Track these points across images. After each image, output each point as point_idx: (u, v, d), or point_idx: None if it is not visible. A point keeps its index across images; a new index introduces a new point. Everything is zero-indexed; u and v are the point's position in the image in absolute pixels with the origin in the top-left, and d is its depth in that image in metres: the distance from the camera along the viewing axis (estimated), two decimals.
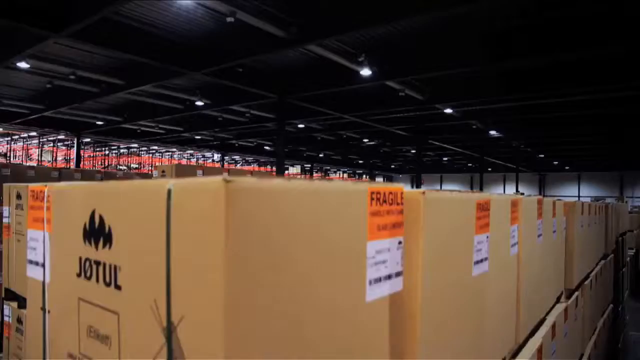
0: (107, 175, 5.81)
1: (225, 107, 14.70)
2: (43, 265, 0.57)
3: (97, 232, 0.46)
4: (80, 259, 0.49)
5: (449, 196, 0.60)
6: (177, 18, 8.47)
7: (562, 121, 15.65)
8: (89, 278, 0.47)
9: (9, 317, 1.85)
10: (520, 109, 13.93)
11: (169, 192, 0.37)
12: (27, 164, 5.25)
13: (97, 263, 0.46)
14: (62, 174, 5.41)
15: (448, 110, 13.90)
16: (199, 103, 13.74)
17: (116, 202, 0.43)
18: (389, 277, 0.49)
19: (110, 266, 0.44)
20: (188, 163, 31.22)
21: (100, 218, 0.45)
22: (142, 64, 10.03)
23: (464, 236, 0.65)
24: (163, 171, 4.46)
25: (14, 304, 1.83)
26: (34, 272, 0.58)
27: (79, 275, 0.49)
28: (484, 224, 0.72)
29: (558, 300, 1.64)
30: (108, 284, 0.44)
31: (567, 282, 1.72)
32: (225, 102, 14.00)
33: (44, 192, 0.55)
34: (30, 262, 0.58)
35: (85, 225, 0.48)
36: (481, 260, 0.71)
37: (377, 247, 0.48)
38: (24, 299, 1.75)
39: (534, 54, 8.91)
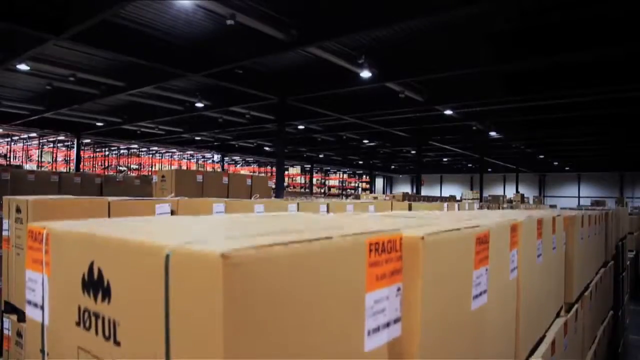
0: (107, 179, 5.81)
1: (225, 109, 14.70)
2: (42, 308, 0.57)
3: (95, 285, 0.46)
4: (79, 307, 0.49)
5: (448, 237, 0.60)
6: (177, 20, 8.47)
7: (562, 122, 15.64)
8: (88, 329, 0.47)
9: (9, 330, 1.86)
10: (521, 110, 13.93)
11: (167, 257, 0.37)
12: (27, 169, 5.25)
13: (96, 315, 0.46)
14: (62, 179, 5.41)
15: (448, 112, 13.90)
16: (199, 105, 13.74)
17: (114, 257, 0.43)
18: (387, 324, 0.49)
19: (109, 320, 0.44)
20: (188, 164, 31.20)
21: (99, 271, 0.46)
22: (141, 66, 10.03)
23: (463, 273, 0.65)
24: (163, 176, 4.45)
25: (14, 317, 1.84)
26: (33, 313, 0.58)
27: (78, 324, 0.49)
28: (483, 257, 0.72)
29: (558, 315, 1.64)
30: (107, 338, 0.44)
31: (567, 296, 1.72)
32: (225, 104, 14.00)
33: (42, 235, 0.55)
34: (29, 302, 0.58)
35: (84, 275, 0.48)
36: (480, 294, 0.71)
37: (376, 297, 0.48)
38: (23, 313, 1.76)
39: (534, 56, 8.92)
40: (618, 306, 4.41)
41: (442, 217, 1.05)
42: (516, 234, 0.97)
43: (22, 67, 10.18)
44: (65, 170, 23.94)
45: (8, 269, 1.80)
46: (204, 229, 0.55)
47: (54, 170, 23.63)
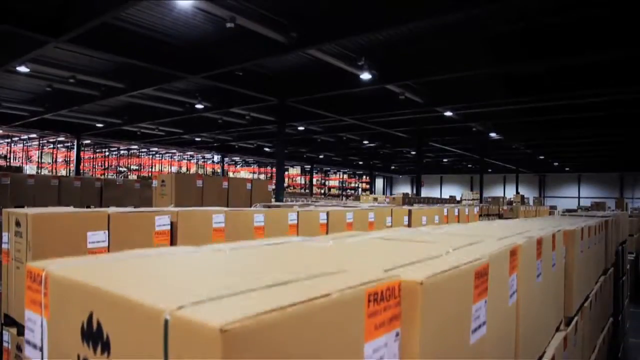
0: (107, 183, 5.81)
1: (225, 110, 14.70)
2: (41, 350, 0.57)
3: (95, 336, 0.46)
4: (78, 356, 0.49)
5: (448, 276, 0.59)
6: (177, 23, 8.47)
7: (562, 124, 15.66)
8: None
9: (8, 343, 1.86)
10: (521, 111, 13.93)
11: (166, 323, 0.37)
12: (27, 173, 5.23)
13: None
14: (62, 183, 5.41)
15: (448, 113, 13.89)
16: (199, 106, 13.74)
17: (114, 313, 0.43)
18: None
19: None
20: (188, 164, 31.18)
21: (98, 323, 0.46)
22: (141, 68, 10.04)
23: (461, 309, 0.65)
24: (163, 181, 4.45)
25: (13, 330, 1.84)
26: (32, 354, 0.58)
27: None
28: (482, 290, 0.72)
29: (558, 329, 1.64)
30: None
31: (567, 310, 1.72)
32: (225, 105, 14.00)
33: (41, 277, 0.55)
34: (28, 342, 0.59)
35: (83, 324, 0.48)
36: (479, 326, 0.71)
37: (375, 345, 0.48)
38: (23, 326, 1.76)
39: (534, 59, 8.91)
40: (618, 311, 4.41)
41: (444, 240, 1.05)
42: (516, 257, 0.97)
43: (22, 69, 10.18)
44: (65, 171, 23.95)
45: (8, 282, 1.80)
46: (204, 277, 0.55)
47: (54, 171, 23.65)
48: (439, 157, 28.99)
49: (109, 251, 1.76)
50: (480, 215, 5.37)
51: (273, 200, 12.86)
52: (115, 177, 6.03)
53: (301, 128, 18.39)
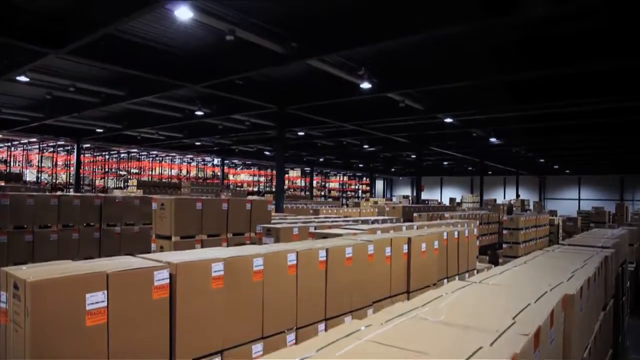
0: (106, 200, 5.80)
1: (225, 116, 14.69)
2: None
3: None
4: None
5: None
6: (177, 34, 8.45)
7: (562, 130, 15.65)
8: None
9: None
10: (522, 118, 13.92)
11: None
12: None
13: None
14: (61, 202, 5.41)
15: (448, 120, 13.88)
16: (199, 113, 13.72)
17: None
18: None
19: None
20: (188, 167, 31.12)
21: None
22: (142, 77, 10.02)
23: None
24: (162, 204, 4.45)
25: None
26: None
27: None
28: None
29: None
30: None
31: None
32: (225, 112, 14.00)
33: None
34: None
35: None
36: None
37: None
38: None
39: (535, 68, 8.88)
40: (619, 332, 4.41)
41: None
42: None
43: (22, 78, 10.18)
44: (65, 176, 23.93)
45: (6, 345, 1.79)
46: None
47: (54, 175, 23.63)
48: (439, 160, 28.98)
49: (108, 311, 1.75)
50: (478, 237, 5.38)
51: (272, 209, 12.87)
52: (115, 195, 5.98)
53: (301, 133, 18.38)
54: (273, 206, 13.21)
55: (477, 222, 7.25)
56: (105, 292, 1.76)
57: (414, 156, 24.52)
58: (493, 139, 17.34)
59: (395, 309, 1.42)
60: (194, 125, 16.84)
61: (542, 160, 26.72)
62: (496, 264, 10.44)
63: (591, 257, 2.79)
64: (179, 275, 2.02)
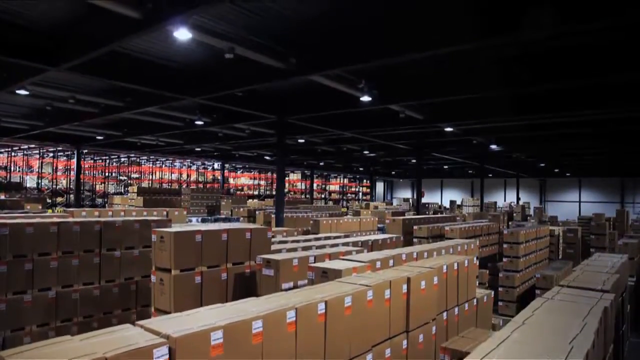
0: (106, 225, 5.79)
1: (225, 125, 14.68)
2: None
3: None
4: None
5: None
6: (177, 50, 8.44)
7: (563, 137, 15.65)
8: None
9: None
10: (522, 127, 13.92)
11: None
12: (26, 221, 5.22)
13: None
14: (61, 228, 5.41)
15: (449, 129, 13.87)
16: (199, 122, 13.72)
17: None
18: None
19: None
20: (188, 171, 31.13)
21: None
22: (141, 90, 10.01)
23: None
24: (162, 237, 4.44)
25: None
26: None
27: None
28: None
29: None
30: None
31: None
32: (224, 122, 14.00)
33: None
34: None
35: None
36: None
37: None
38: None
39: (536, 83, 8.86)
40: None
41: None
42: None
43: (22, 92, 10.17)
44: (65, 181, 23.94)
45: None
46: None
47: (54, 181, 23.63)
48: (439, 164, 28.96)
49: None
50: (479, 261, 5.40)
51: (273, 224, 12.85)
52: (114, 219, 5.93)
53: (301, 141, 18.37)
54: (274, 216, 13.24)
55: (477, 241, 7.25)
56: None
57: (414, 161, 24.51)
58: (493, 146, 17.34)
59: None
60: (194, 132, 16.84)
61: (542, 165, 26.72)
62: (496, 276, 10.43)
63: (591, 309, 2.78)
64: (178, 349, 2.02)
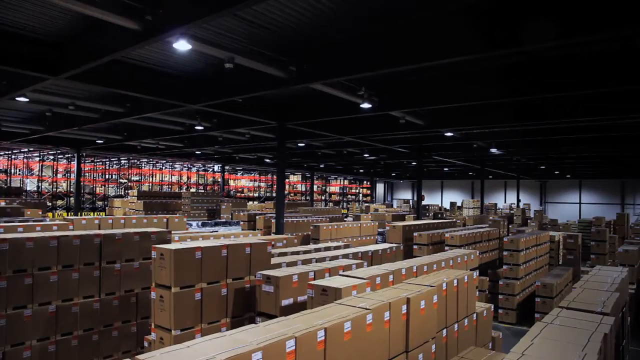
0: (106, 238, 5.79)
1: (225, 130, 14.68)
2: None
3: None
4: None
5: None
6: (177, 59, 8.46)
7: (563, 142, 15.63)
8: None
9: None
10: (523, 132, 13.91)
11: None
12: (26, 236, 5.21)
13: None
14: (61, 243, 5.41)
15: (449, 134, 13.86)
16: (199, 127, 13.71)
17: None
18: None
19: None
20: (189, 173, 31.13)
21: None
22: (141, 97, 10.00)
23: None
24: (162, 254, 4.44)
25: None
26: None
27: None
28: None
29: None
30: None
31: None
32: (224, 127, 13.99)
33: None
34: None
35: None
36: None
37: None
38: None
39: (536, 93, 8.85)
40: None
41: None
42: None
43: (22, 99, 10.17)
44: (65, 184, 23.93)
45: None
46: None
47: (54, 184, 23.63)
48: (439, 167, 28.96)
49: None
50: (479, 276, 5.38)
51: (273, 229, 12.83)
52: (114, 232, 5.93)
53: (302, 144, 18.37)
54: (274, 221, 13.22)
55: (477, 251, 7.26)
56: None
57: (414, 163, 24.50)
58: (494, 150, 17.32)
59: None
60: (194, 136, 16.83)
61: (542, 167, 26.71)
62: (497, 282, 10.42)
63: (591, 336, 2.78)
64: None
